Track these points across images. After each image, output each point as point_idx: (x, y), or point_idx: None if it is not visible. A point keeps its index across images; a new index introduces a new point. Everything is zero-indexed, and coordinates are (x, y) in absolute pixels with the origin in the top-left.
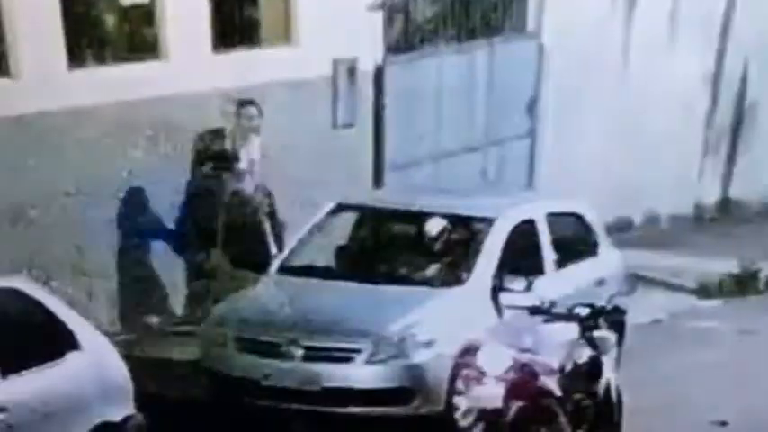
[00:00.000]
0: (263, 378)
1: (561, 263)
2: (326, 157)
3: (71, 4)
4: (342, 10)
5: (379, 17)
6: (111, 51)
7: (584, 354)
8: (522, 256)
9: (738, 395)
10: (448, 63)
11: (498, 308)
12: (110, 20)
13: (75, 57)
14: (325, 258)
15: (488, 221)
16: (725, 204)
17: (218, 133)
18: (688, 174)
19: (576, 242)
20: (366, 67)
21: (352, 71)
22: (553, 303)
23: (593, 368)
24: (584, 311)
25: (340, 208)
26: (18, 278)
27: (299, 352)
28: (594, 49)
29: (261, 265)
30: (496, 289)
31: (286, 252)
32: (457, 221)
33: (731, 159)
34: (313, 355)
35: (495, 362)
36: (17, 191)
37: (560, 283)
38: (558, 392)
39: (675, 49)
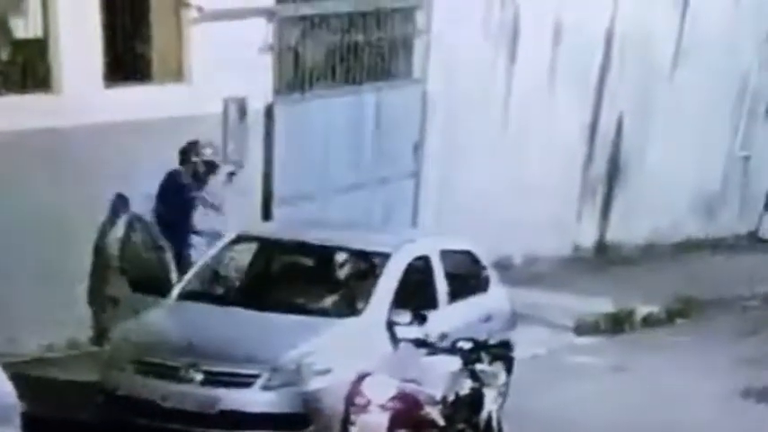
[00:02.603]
0: (162, 400)
1: (454, 297)
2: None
3: None
4: (233, 50)
5: (269, 58)
6: (4, 82)
7: (467, 386)
8: (417, 290)
9: (613, 427)
10: (336, 104)
11: (394, 339)
12: (4, 52)
13: None
14: (225, 286)
15: (385, 256)
16: (602, 246)
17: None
18: (567, 217)
19: (467, 278)
20: (257, 105)
21: (242, 109)
22: (444, 336)
23: (475, 400)
24: (467, 345)
25: (240, 239)
26: None
27: (199, 376)
28: (478, 97)
29: (161, 291)
30: (391, 321)
31: (186, 278)
32: (355, 255)
33: (607, 204)
34: (212, 379)
35: (380, 391)
36: None
37: (452, 316)
38: (441, 422)
39: (555, 100)
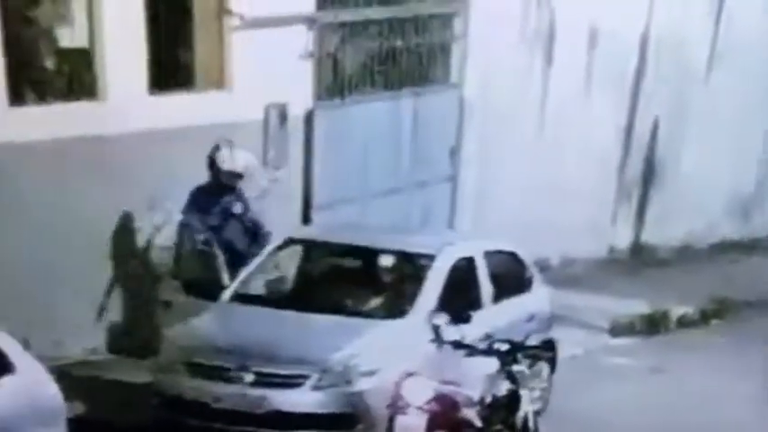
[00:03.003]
0: (214, 401)
1: (498, 298)
2: (255, 196)
3: (12, 45)
4: (274, 57)
5: (309, 65)
6: (51, 91)
7: (504, 387)
8: (461, 290)
9: (648, 428)
10: (375, 109)
11: (439, 340)
12: (50, 61)
13: (16, 95)
14: (274, 289)
15: (430, 258)
16: (637, 248)
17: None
18: (603, 219)
19: (511, 278)
20: (297, 111)
21: (282, 115)
22: (489, 336)
23: (512, 401)
24: (504, 347)
25: (289, 242)
26: None
27: (250, 377)
28: (514, 101)
29: (213, 294)
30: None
31: (237, 281)
32: (400, 257)
33: (642, 207)
34: (262, 380)
35: (418, 393)
36: None
37: (496, 317)
38: (479, 423)
39: (590, 103)
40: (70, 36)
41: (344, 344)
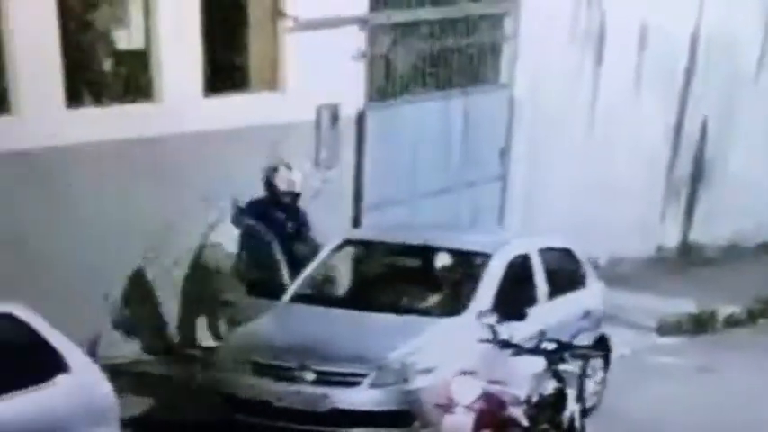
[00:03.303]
0: (276, 400)
1: (553, 294)
2: (309, 196)
3: (70, 47)
4: (327, 59)
5: (361, 66)
6: (107, 93)
7: (550, 386)
8: (517, 288)
9: (697, 427)
10: (425, 110)
11: (495, 338)
12: (107, 63)
13: (74, 97)
14: (331, 288)
15: (486, 256)
16: (685, 247)
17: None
18: (651, 218)
19: (566, 275)
20: (349, 111)
21: (334, 116)
22: (543, 333)
23: (559, 400)
24: (551, 346)
25: (346, 243)
26: (11, 303)
27: (310, 376)
28: (564, 101)
29: (275, 294)
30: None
31: (296, 282)
32: (456, 256)
33: (691, 206)
34: (323, 378)
35: (465, 392)
36: (18, 221)
37: (551, 313)
38: (525, 422)
39: (640, 103)
40: (127, 38)
41: (402, 342)
